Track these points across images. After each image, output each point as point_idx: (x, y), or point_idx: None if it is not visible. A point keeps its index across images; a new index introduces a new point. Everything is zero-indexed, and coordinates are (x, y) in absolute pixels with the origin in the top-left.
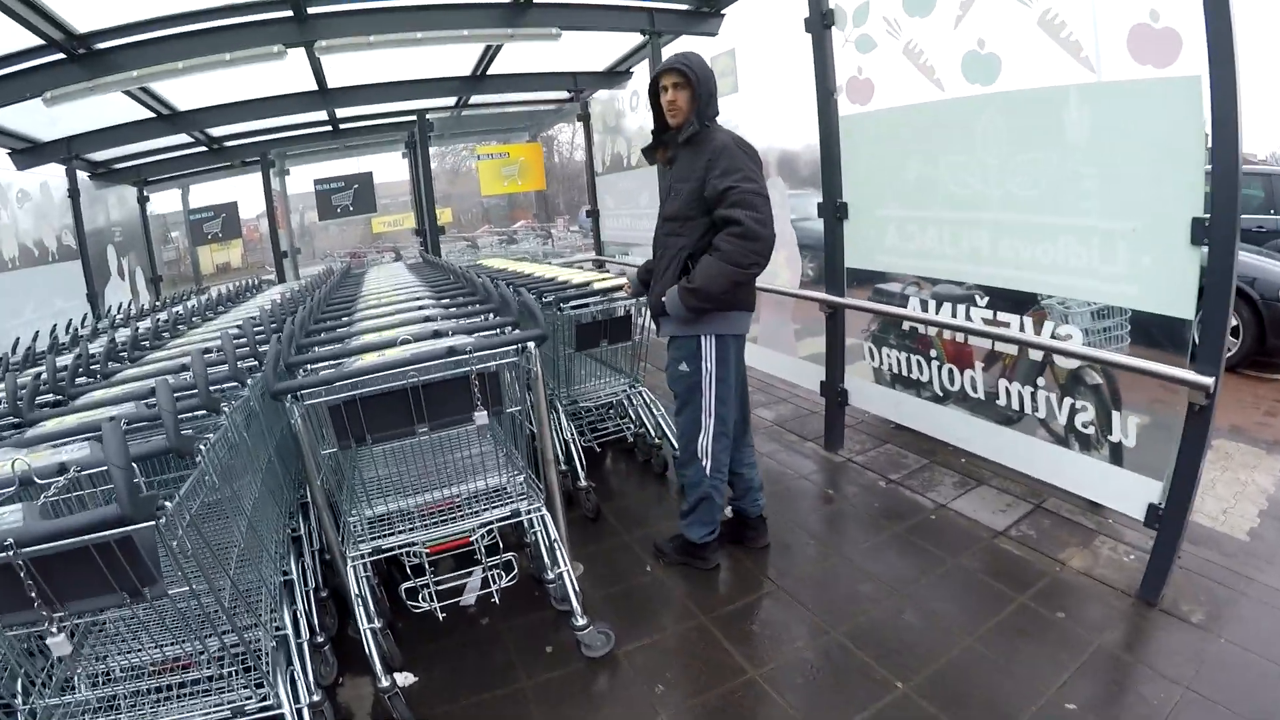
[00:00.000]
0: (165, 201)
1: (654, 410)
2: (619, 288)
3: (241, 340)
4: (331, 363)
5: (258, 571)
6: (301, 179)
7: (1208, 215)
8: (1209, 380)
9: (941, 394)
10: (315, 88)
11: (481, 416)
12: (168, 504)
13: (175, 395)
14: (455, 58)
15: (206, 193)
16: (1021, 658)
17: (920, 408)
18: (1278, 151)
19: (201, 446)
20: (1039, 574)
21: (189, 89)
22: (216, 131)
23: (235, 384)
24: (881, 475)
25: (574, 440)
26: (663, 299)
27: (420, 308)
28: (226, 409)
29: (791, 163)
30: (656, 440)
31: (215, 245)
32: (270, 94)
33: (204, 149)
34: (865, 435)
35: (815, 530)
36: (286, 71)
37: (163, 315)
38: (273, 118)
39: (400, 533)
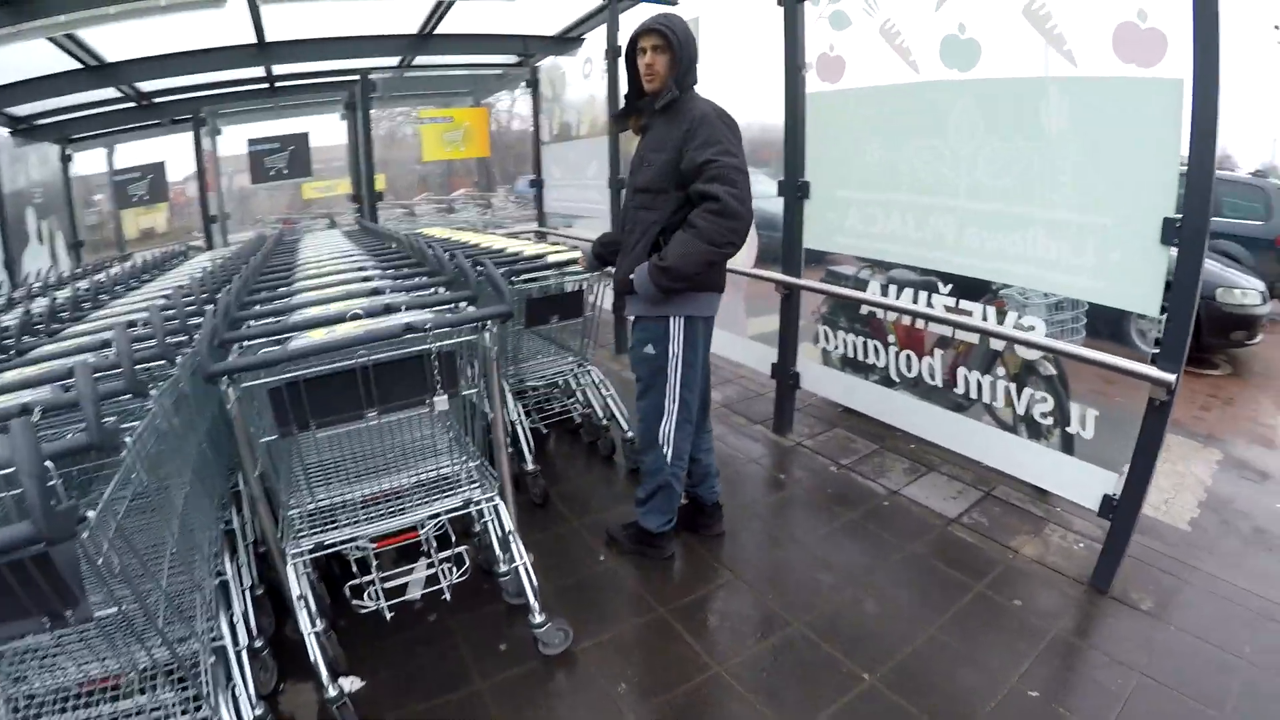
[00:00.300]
0: (89, 162)
1: (602, 390)
2: (573, 261)
3: (170, 313)
4: (269, 340)
5: (191, 575)
6: (233, 140)
7: (1179, 216)
8: (1171, 377)
9: (894, 379)
10: (254, 41)
11: (442, 401)
12: (90, 514)
13: (96, 377)
14: (402, 14)
15: (133, 153)
16: (983, 646)
17: (872, 392)
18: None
19: (127, 439)
20: (993, 562)
21: (119, 38)
22: (147, 86)
23: (163, 362)
24: (832, 460)
25: (520, 421)
26: (631, 277)
27: (366, 279)
28: (154, 392)
29: (751, 139)
30: (604, 421)
31: (140, 209)
32: (205, 46)
33: (133, 105)
34: (814, 419)
35: (769, 517)
36: (224, 22)
37: (84, 284)
38: (207, 73)
39: (343, 526)
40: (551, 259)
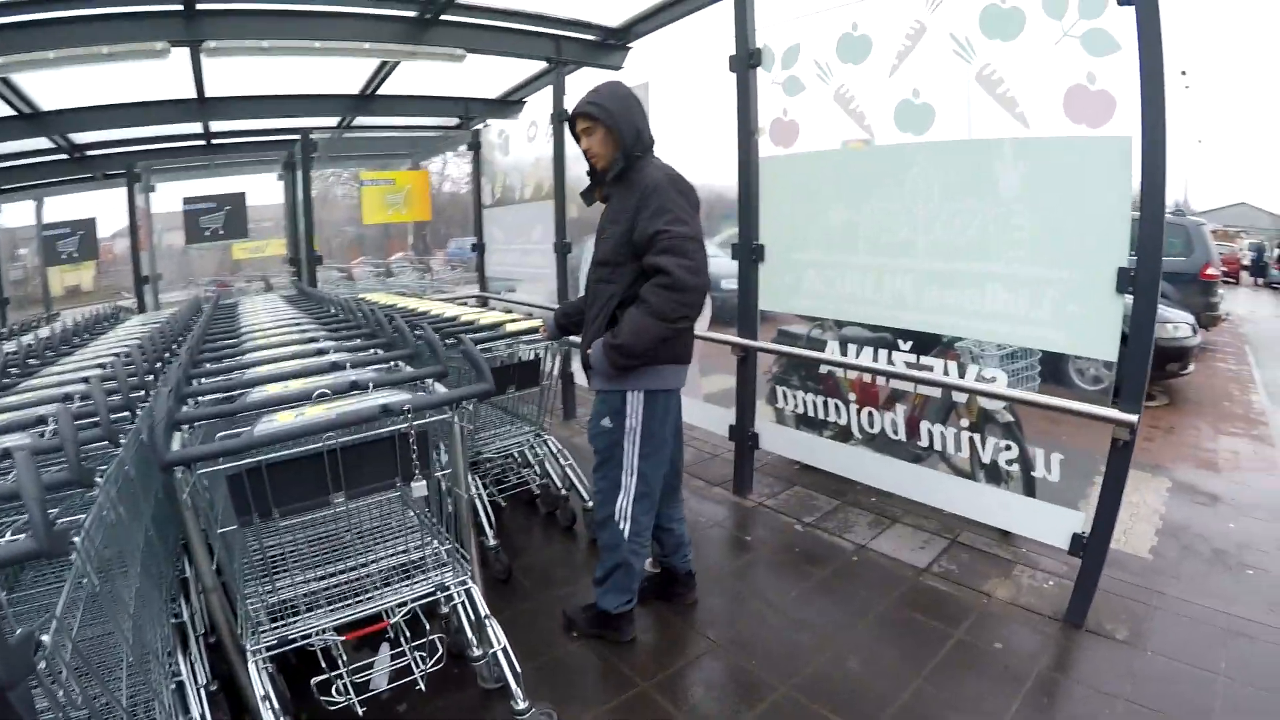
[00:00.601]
0: (15, 214)
1: (560, 459)
2: (532, 330)
3: (111, 385)
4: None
5: (148, 683)
6: (167, 197)
7: (1133, 265)
8: (1134, 418)
9: (855, 434)
10: (194, 95)
11: (420, 487)
12: (45, 638)
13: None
14: (344, 74)
15: (62, 207)
16: (970, 691)
17: (831, 449)
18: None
19: (75, 538)
20: (968, 608)
21: (55, 86)
22: (81, 138)
23: (106, 444)
24: (796, 518)
25: (480, 495)
26: (588, 352)
27: (320, 351)
28: (100, 480)
29: (709, 203)
30: (564, 491)
31: (66, 266)
32: (143, 100)
33: (65, 157)
34: (772, 478)
35: (740, 581)
36: (163, 75)
37: (9, 346)
38: (143, 126)
39: (307, 617)
40: (510, 328)
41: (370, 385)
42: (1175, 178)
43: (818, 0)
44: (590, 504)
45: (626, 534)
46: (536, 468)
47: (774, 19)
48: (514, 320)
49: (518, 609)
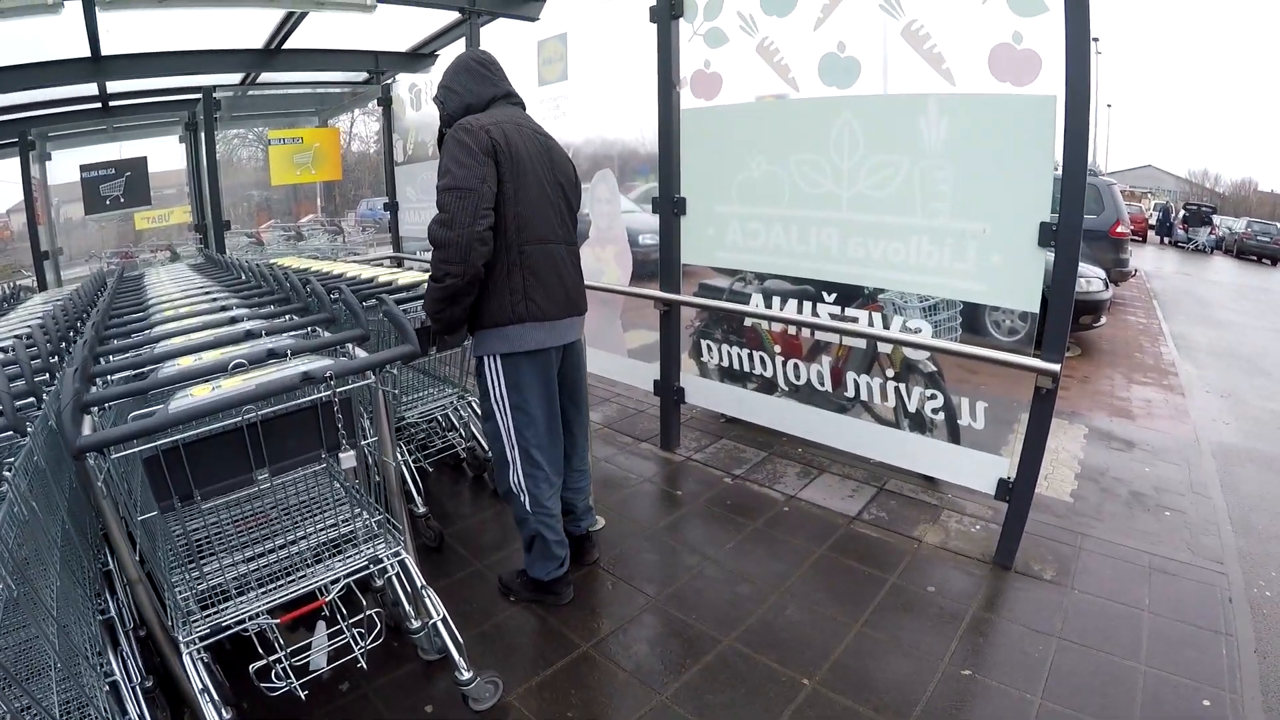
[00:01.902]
0: None
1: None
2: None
3: (13, 370)
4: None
5: (80, 688)
6: (63, 166)
7: (1055, 220)
8: (1056, 367)
9: (781, 386)
10: (88, 54)
11: (349, 458)
12: None
13: None
14: (248, 27)
15: None
16: (908, 635)
17: (758, 401)
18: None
19: None
20: (900, 553)
21: None
22: None
23: (11, 435)
24: (725, 471)
25: (405, 461)
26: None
27: (233, 320)
28: (7, 475)
29: (626, 156)
30: (489, 454)
31: None
32: (34, 60)
33: None
34: (698, 432)
35: (674, 535)
36: (55, 33)
37: None
38: (36, 90)
39: (239, 602)
40: (401, 281)
41: (289, 353)
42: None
43: None
44: None
45: (528, 505)
46: (461, 430)
47: None
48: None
49: (454, 577)
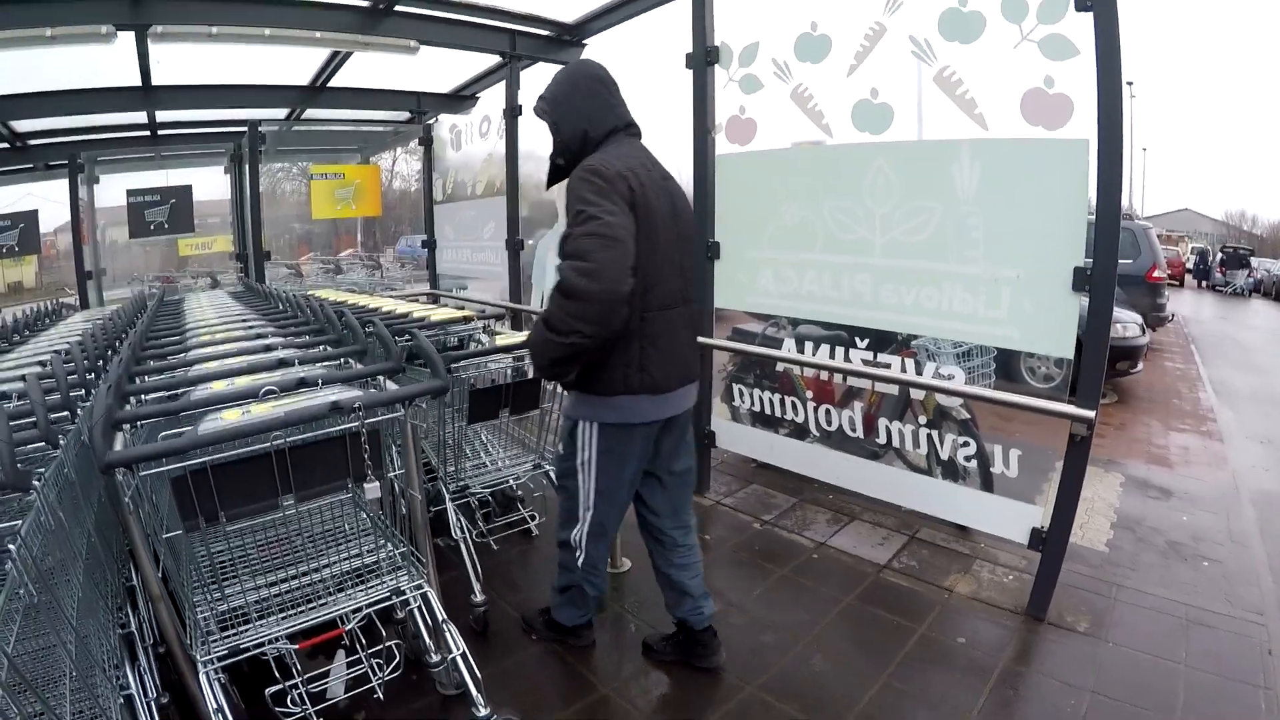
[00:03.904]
0: None
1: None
2: (460, 319)
3: (49, 384)
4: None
5: (94, 700)
6: (111, 189)
7: (1089, 264)
8: (1091, 413)
9: (813, 432)
10: (139, 83)
11: (374, 489)
12: None
13: None
14: (293, 64)
15: (2, 199)
16: (936, 687)
17: (788, 446)
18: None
19: (9, 545)
20: (930, 603)
21: None
22: (22, 126)
23: (44, 446)
24: (754, 517)
25: (466, 542)
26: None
27: (268, 348)
28: (37, 484)
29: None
30: (517, 491)
31: (8, 261)
32: (87, 86)
33: (5, 146)
34: (729, 476)
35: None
36: (108, 61)
37: None
38: (87, 115)
39: (259, 626)
40: (501, 341)
41: (319, 382)
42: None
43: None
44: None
45: (580, 564)
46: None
47: (732, 17)
48: (507, 336)
49: (474, 613)
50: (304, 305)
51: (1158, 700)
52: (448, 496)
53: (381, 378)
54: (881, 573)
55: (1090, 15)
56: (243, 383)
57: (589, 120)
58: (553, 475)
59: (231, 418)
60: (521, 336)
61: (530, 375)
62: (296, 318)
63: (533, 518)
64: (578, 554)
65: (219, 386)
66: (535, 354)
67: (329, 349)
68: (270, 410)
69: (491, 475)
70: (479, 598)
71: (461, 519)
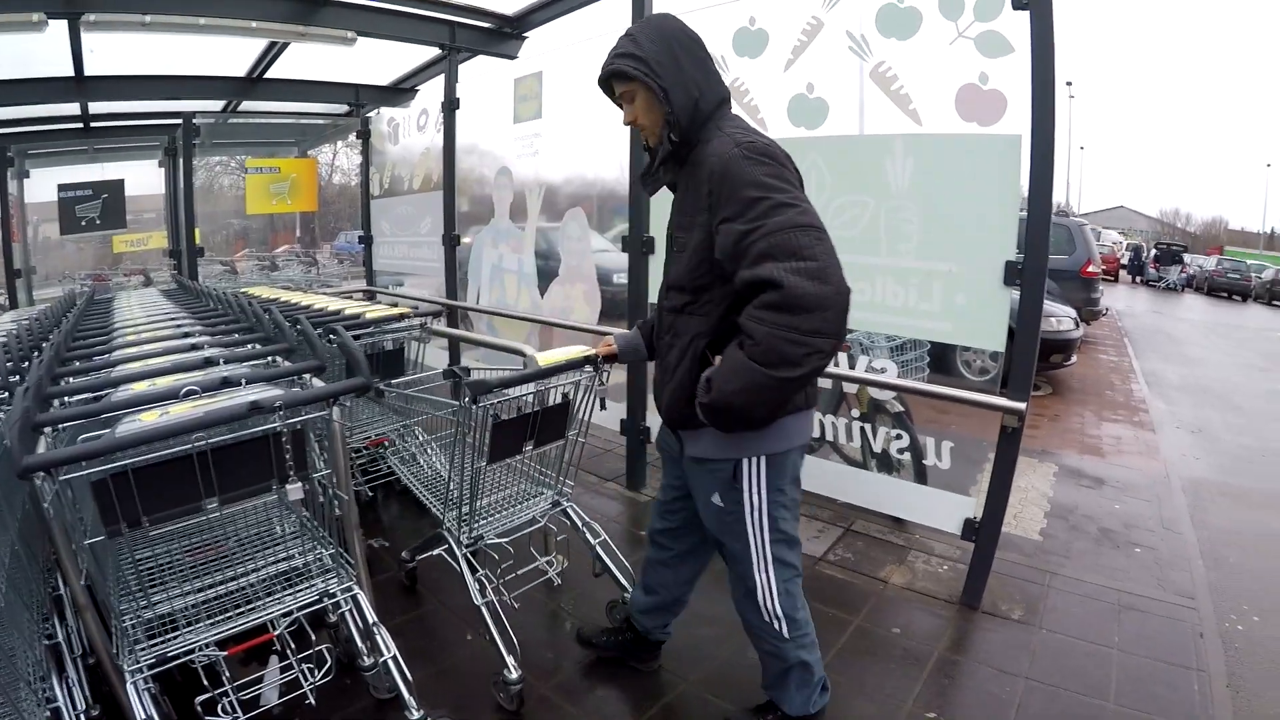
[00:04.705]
0: None
1: (428, 448)
2: (395, 317)
3: None
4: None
5: (18, 712)
6: (42, 184)
7: (1020, 259)
8: (1022, 405)
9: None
10: (72, 74)
11: (295, 490)
12: None
13: None
14: (230, 55)
15: None
16: (873, 678)
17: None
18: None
19: None
20: (866, 594)
21: None
22: None
23: None
24: None
25: (492, 605)
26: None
27: (194, 346)
28: None
29: (606, 196)
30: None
31: None
32: (16, 76)
33: None
34: None
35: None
36: (39, 50)
37: None
38: (16, 106)
39: (186, 632)
40: (369, 316)
41: (243, 381)
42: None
43: None
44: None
45: (785, 632)
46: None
47: (672, 11)
48: (377, 309)
49: (411, 614)
50: (233, 303)
51: (1092, 685)
52: (460, 551)
53: (308, 376)
54: (817, 565)
55: (1027, 14)
56: (166, 383)
57: (699, 88)
58: (570, 517)
59: (151, 419)
60: (568, 353)
61: (558, 401)
62: (226, 316)
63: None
64: (777, 625)
65: (141, 388)
66: (746, 398)
67: (258, 348)
68: (189, 410)
69: (367, 430)
70: (514, 674)
71: (481, 576)
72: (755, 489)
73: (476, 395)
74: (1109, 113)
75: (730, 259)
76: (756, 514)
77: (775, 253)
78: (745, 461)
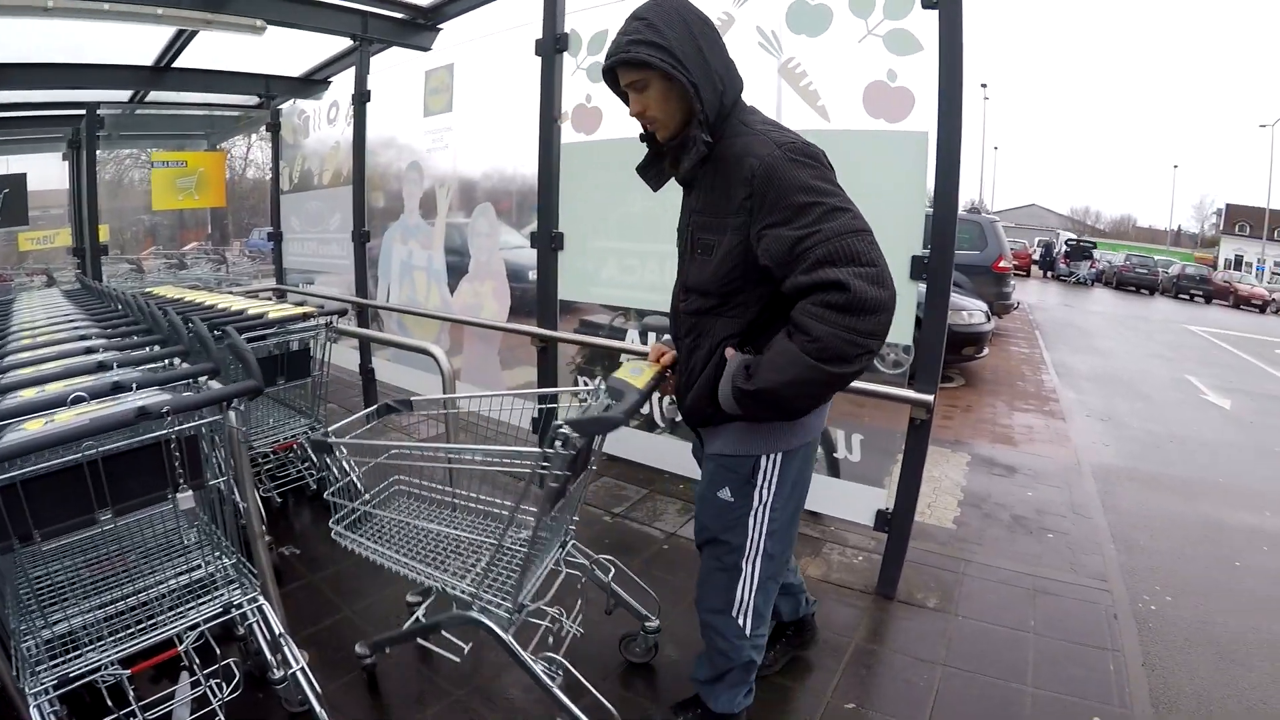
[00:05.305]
0: None
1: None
2: (299, 316)
3: None
4: None
5: None
6: None
7: (927, 253)
8: (930, 397)
9: (660, 424)
10: None
11: (186, 497)
12: None
13: None
14: (137, 43)
15: None
16: (790, 669)
17: (638, 439)
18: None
19: None
20: None
21: None
22: None
23: None
24: (605, 510)
25: (572, 704)
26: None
27: (89, 350)
28: None
29: (526, 192)
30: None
31: None
32: None
33: None
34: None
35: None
36: None
37: None
38: None
39: (88, 651)
40: (273, 315)
41: (134, 386)
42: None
43: None
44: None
45: (748, 628)
46: (315, 459)
47: (585, 4)
48: (279, 309)
49: (323, 623)
50: (133, 304)
51: (1008, 669)
52: (507, 636)
53: (205, 379)
54: None
55: (936, 12)
56: (56, 389)
57: (723, 81)
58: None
59: (35, 428)
60: (642, 371)
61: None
62: (127, 317)
63: (309, 474)
64: (741, 620)
65: (30, 394)
66: (792, 389)
67: (156, 350)
68: (75, 418)
69: (275, 435)
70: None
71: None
72: (768, 485)
73: (591, 434)
74: (1023, 113)
75: (782, 264)
76: (763, 509)
77: (835, 258)
78: (764, 458)
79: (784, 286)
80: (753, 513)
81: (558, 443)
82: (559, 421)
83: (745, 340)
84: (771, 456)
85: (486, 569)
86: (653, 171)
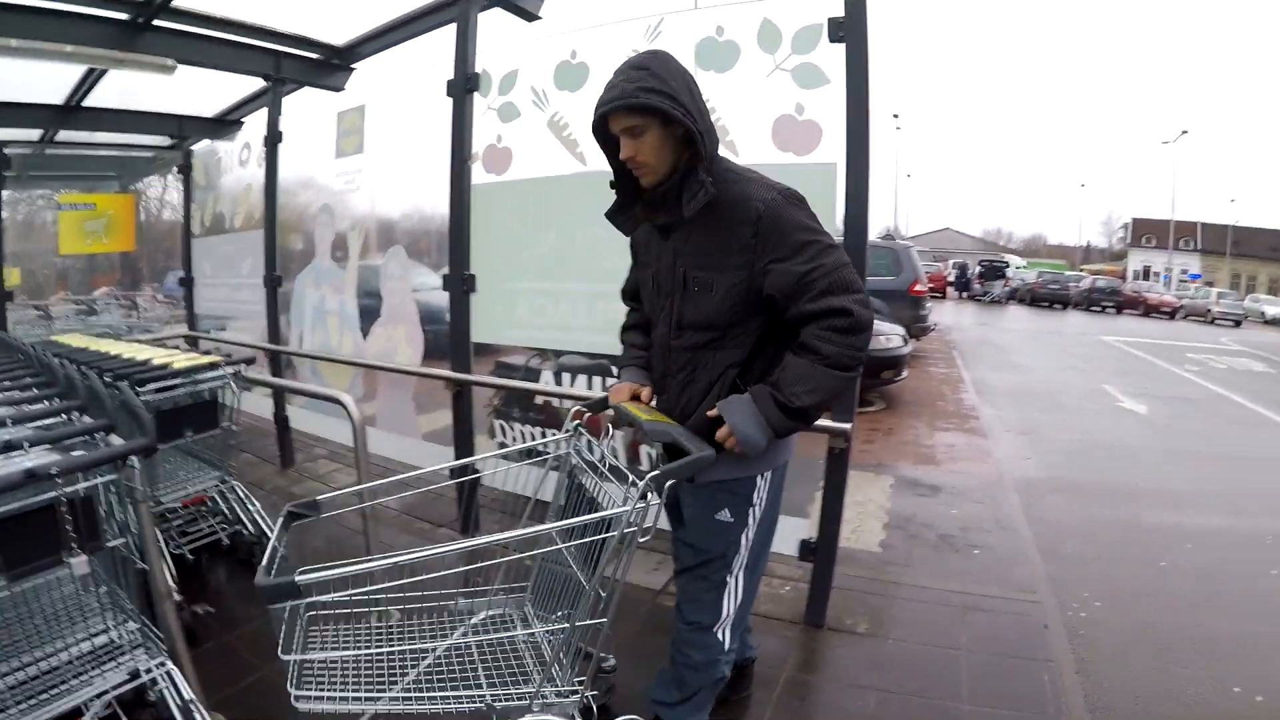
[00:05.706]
0: None
1: (249, 504)
2: (205, 366)
3: None
4: None
5: None
6: None
7: None
8: (847, 426)
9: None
10: None
11: (81, 564)
12: None
13: None
14: (48, 81)
15: None
16: (722, 704)
17: (555, 480)
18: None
19: None
20: None
21: None
22: None
23: None
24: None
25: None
26: (725, 438)
27: None
28: None
29: (425, 229)
30: (255, 536)
31: None
32: None
33: None
34: (500, 513)
35: None
36: None
37: None
38: None
39: None
40: (179, 365)
41: (26, 445)
42: (886, 207)
43: (539, 28)
44: None
45: (727, 642)
46: (227, 513)
47: (495, 44)
48: (187, 359)
49: (240, 684)
50: (33, 356)
51: (943, 688)
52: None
53: (103, 434)
54: (658, 598)
55: (843, 46)
56: None
57: (713, 132)
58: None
59: None
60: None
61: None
62: (31, 369)
63: (221, 528)
64: (722, 635)
65: None
66: (824, 397)
67: (56, 404)
68: None
69: (184, 489)
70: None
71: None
72: (760, 502)
73: (687, 476)
74: (935, 141)
75: (788, 295)
76: (754, 524)
77: (835, 288)
78: (759, 477)
79: (789, 314)
80: (749, 529)
81: (650, 494)
82: (652, 470)
83: (745, 368)
84: (765, 475)
85: (554, 658)
86: (623, 217)
